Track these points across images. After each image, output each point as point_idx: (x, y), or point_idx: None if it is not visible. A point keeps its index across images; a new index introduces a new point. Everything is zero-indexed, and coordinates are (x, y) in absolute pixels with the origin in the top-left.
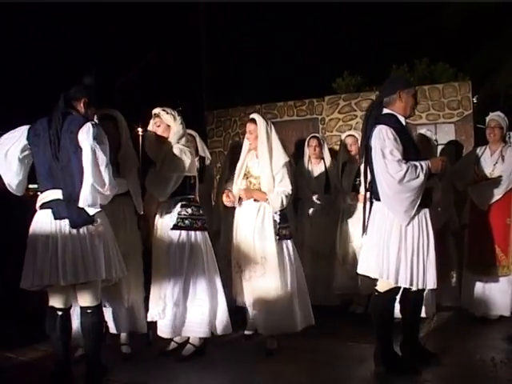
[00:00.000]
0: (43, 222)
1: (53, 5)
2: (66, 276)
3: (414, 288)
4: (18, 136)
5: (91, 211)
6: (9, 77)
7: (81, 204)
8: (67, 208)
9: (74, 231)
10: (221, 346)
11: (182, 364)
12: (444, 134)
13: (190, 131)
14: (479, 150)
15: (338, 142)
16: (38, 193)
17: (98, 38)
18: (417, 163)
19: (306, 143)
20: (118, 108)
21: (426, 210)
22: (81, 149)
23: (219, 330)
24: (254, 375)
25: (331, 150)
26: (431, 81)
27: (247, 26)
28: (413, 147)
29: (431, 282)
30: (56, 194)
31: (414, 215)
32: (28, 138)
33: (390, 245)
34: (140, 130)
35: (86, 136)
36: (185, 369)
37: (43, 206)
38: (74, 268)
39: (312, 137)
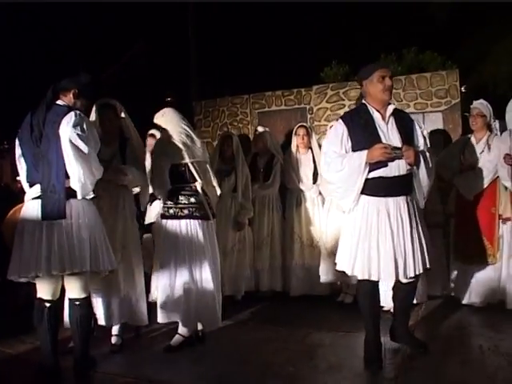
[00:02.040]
0: (30, 213)
1: None
2: (51, 266)
3: (373, 278)
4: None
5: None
6: None
7: (79, 196)
8: (42, 199)
9: (61, 222)
10: (209, 337)
11: (171, 355)
12: (432, 123)
13: None
14: (465, 139)
15: (327, 132)
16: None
17: (84, 29)
18: (346, 155)
19: (294, 132)
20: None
21: (389, 199)
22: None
23: (208, 322)
24: (242, 366)
25: (320, 140)
26: (419, 70)
27: (235, 15)
28: (371, 136)
29: (387, 273)
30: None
31: (366, 205)
32: (18, 136)
33: (343, 235)
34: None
35: (65, 125)
36: (173, 360)
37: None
38: (60, 259)
39: (300, 126)
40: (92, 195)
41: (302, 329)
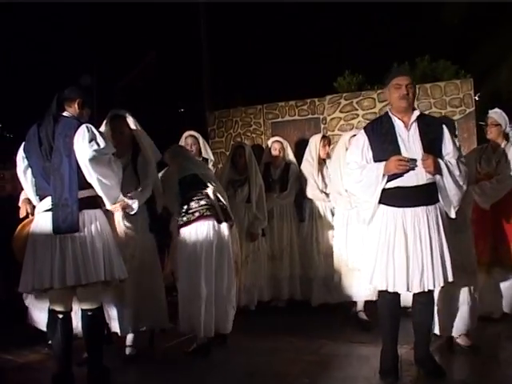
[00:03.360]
0: (42, 225)
1: (52, 5)
2: (66, 278)
3: (389, 289)
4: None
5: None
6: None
7: (109, 206)
8: (53, 212)
9: (82, 234)
10: (223, 347)
11: (184, 366)
12: None
13: (193, 132)
14: (481, 149)
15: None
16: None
17: (97, 39)
18: (366, 166)
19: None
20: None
21: (407, 210)
22: (74, 153)
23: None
24: (255, 377)
25: (333, 149)
26: (433, 78)
27: (248, 25)
28: (391, 146)
29: (401, 284)
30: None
31: (384, 215)
32: (24, 149)
33: (367, 246)
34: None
35: (80, 142)
36: (186, 371)
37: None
38: (75, 270)
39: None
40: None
41: (316, 339)
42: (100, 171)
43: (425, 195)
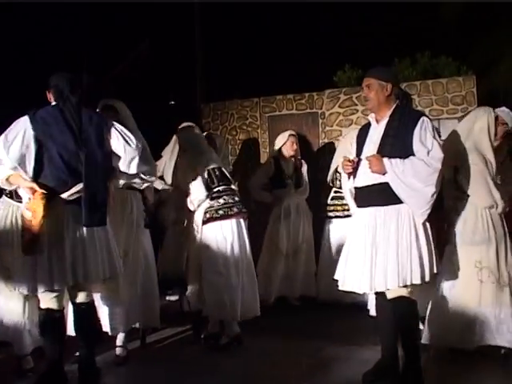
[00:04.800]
0: (60, 217)
1: None
2: (78, 275)
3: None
4: (21, 128)
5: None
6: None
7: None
8: (86, 204)
9: (84, 230)
10: (219, 350)
11: (177, 367)
12: (447, 131)
13: (190, 124)
14: None
15: (339, 137)
16: None
17: (88, 28)
18: None
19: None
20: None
21: (364, 210)
22: (107, 146)
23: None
24: (256, 380)
25: (331, 145)
26: (434, 74)
27: (244, 16)
28: (358, 146)
29: (354, 285)
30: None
31: (355, 215)
32: (35, 129)
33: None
34: None
35: (116, 137)
36: (182, 373)
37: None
38: (85, 267)
39: (292, 134)
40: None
41: (315, 342)
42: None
43: (377, 196)
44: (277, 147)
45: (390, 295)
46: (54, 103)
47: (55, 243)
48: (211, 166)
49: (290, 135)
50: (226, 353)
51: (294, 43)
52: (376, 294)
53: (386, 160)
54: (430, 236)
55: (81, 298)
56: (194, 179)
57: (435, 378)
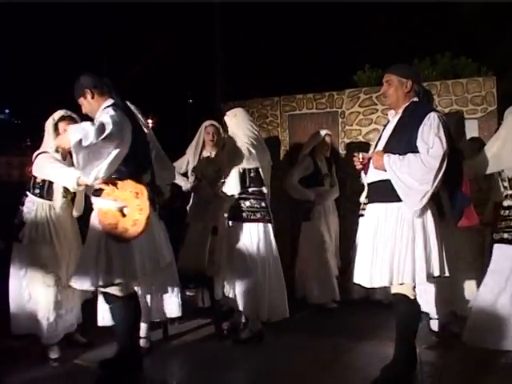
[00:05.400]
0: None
1: None
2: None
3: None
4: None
5: None
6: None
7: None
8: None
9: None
10: (240, 346)
11: (199, 361)
12: (467, 131)
13: (214, 122)
14: None
15: (358, 137)
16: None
17: (108, 27)
18: None
19: None
20: (128, 98)
21: (370, 206)
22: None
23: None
24: (275, 377)
25: (351, 144)
26: (454, 75)
27: (265, 15)
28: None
29: (361, 279)
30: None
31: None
32: (129, 126)
33: None
34: (150, 121)
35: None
36: (203, 366)
37: None
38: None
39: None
40: None
41: (335, 337)
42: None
43: (381, 192)
44: (310, 146)
45: (393, 290)
46: (109, 100)
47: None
48: (248, 166)
49: (326, 134)
50: (246, 347)
51: (313, 43)
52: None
53: (385, 156)
54: (432, 237)
55: (133, 289)
56: (231, 173)
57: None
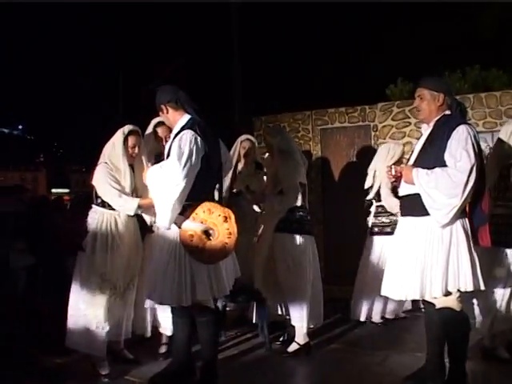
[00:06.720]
0: None
1: (79, 5)
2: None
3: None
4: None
5: None
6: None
7: None
8: None
9: None
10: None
11: (248, 372)
12: None
13: (249, 137)
14: None
15: None
16: None
17: (125, 42)
18: None
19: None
20: (145, 115)
21: (402, 219)
22: None
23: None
24: None
25: None
26: (484, 87)
27: (295, 30)
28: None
29: (391, 292)
30: None
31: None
32: (204, 146)
33: None
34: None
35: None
36: (248, 379)
37: None
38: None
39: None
40: None
41: (382, 350)
42: None
43: (412, 206)
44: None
45: (437, 305)
46: (185, 117)
47: None
48: (302, 181)
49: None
50: (294, 360)
51: (345, 57)
52: (423, 301)
53: (414, 171)
54: (463, 250)
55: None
56: (290, 186)
57: None
